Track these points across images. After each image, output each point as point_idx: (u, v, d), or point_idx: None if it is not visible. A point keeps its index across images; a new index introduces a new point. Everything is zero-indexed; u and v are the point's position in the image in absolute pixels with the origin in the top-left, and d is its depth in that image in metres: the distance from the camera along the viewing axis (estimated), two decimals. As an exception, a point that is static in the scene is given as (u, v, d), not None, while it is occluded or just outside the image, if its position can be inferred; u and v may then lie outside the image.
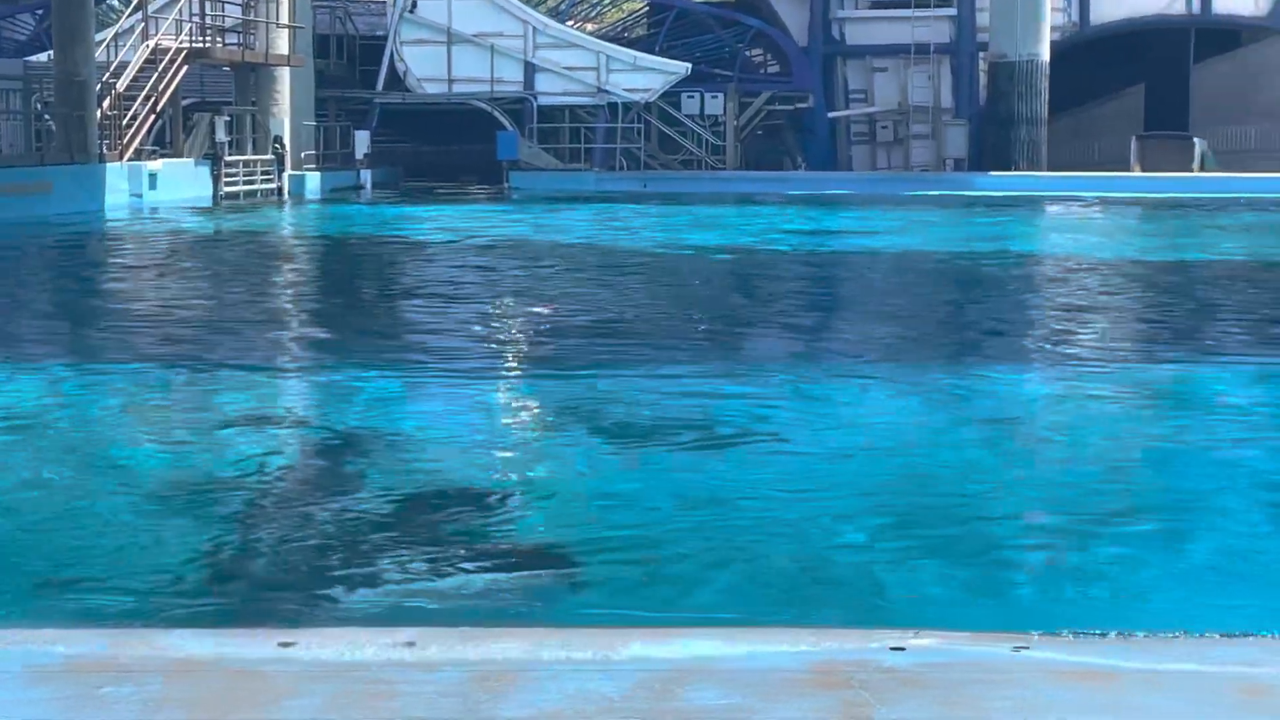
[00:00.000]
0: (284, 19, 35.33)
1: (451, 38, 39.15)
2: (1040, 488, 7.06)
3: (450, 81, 39.32)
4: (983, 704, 3.26)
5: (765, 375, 10.21)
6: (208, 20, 33.28)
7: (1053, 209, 30.94)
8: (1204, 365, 10.85)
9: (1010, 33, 37.13)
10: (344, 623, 4.93)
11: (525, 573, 5.56)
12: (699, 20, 41.10)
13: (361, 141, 38.43)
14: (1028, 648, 3.62)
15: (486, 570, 5.57)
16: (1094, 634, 3.82)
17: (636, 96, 38.77)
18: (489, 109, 39.11)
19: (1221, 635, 3.90)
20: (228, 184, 32.10)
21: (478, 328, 13.06)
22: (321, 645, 3.63)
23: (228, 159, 32.36)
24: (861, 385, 9.85)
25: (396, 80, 39.50)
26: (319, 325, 13.90)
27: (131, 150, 29.74)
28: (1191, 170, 37.33)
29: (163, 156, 31.04)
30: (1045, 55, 37.38)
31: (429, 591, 5.35)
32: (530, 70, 39.25)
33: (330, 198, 34.70)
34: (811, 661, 3.51)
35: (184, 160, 31.67)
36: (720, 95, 38.98)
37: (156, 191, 29.47)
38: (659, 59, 39.18)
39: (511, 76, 39.29)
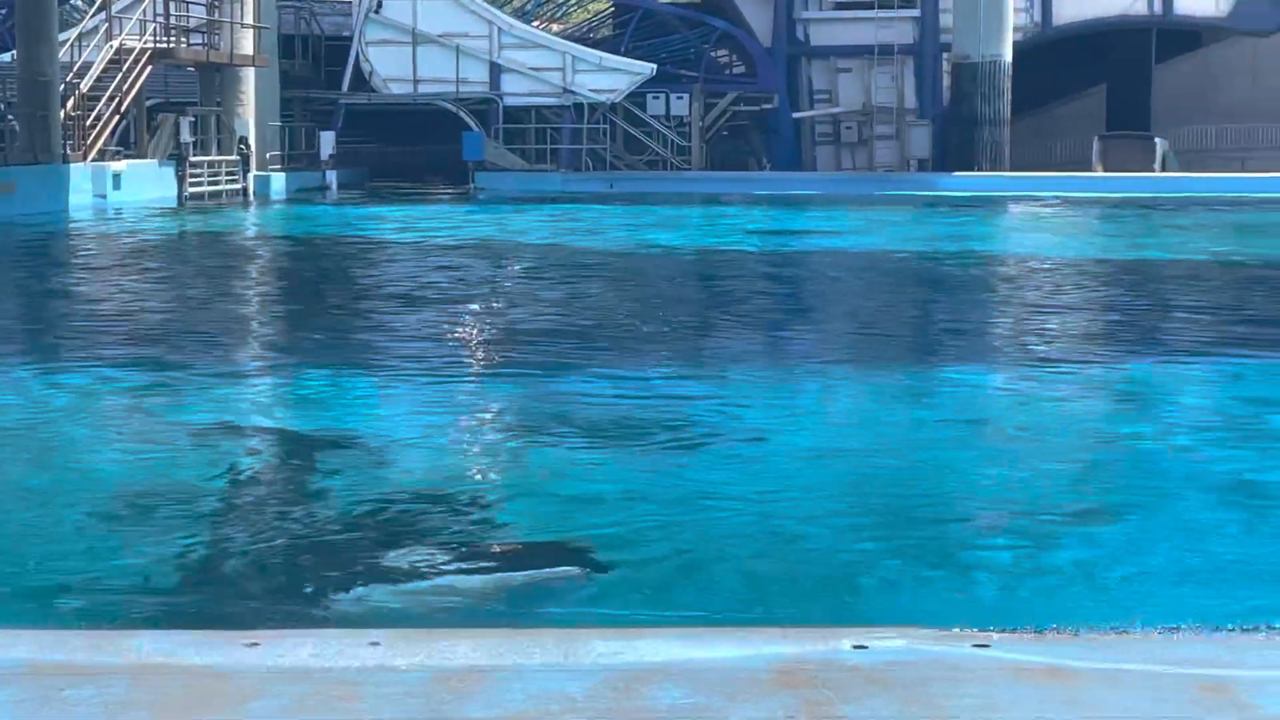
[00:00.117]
0: (249, 19, 35.17)
1: (417, 38, 39.03)
2: (1002, 485, 7.10)
3: (416, 82, 39.19)
4: (944, 702, 3.28)
5: (730, 376, 10.23)
6: (172, 20, 33.10)
7: (1015, 209, 31.08)
8: (1163, 362, 10.93)
9: (973, 33, 37.25)
10: (309, 624, 4.93)
11: (490, 574, 5.57)
12: (664, 21, 41.08)
13: (327, 142, 38.27)
14: (988, 646, 3.64)
15: (451, 572, 5.58)
16: (1054, 631, 3.85)
17: (602, 97, 38.73)
18: (454, 109, 38.99)
19: (1181, 632, 3.93)
20: (192, 185, 31.94)
21: (440, 328, 13.05)
22: (287, 647, 3.63)
23: (192, 160, 32.18)
24: (825, 384, 9.89)
25: (362, 81, 39.35)
26: (280, 326, 13.86)
27: (95, 151, 29.57)
28: (1153, 170, 37.49)
29: (127, 157, 30.85)
30: (1008, 56, 37.50)
31: (394, 593, 5.35)
32: (496, 71, 39.17)
33: (295, 198, 34.56)
34: (774, 660, 3.52)
35: (148, 161, 31.49)
36: (686, 96, 38.96)
37: (121, 192, 29.29)
38: (624, 60, 39.14)
39: (477, 77, 39.19)
